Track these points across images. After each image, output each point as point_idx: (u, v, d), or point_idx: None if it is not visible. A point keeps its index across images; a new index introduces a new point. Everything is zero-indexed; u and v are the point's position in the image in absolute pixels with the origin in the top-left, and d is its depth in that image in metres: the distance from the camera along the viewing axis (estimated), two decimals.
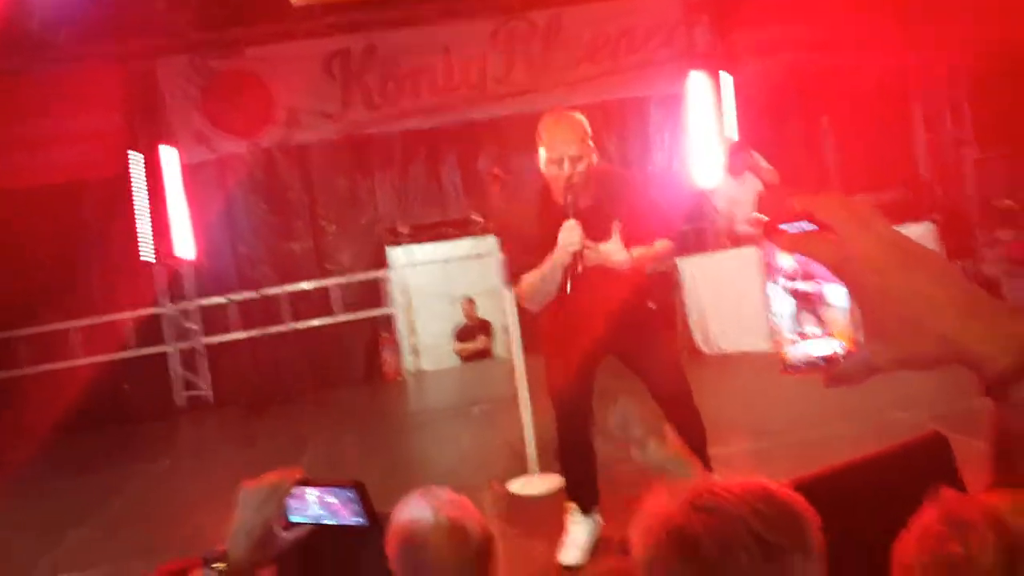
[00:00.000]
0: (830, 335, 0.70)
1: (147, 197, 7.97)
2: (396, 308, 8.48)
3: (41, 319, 7.88)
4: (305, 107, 8.44)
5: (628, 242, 3.18)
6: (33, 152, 7.75)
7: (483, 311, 8.57)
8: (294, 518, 1.35)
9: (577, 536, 3.45)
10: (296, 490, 1.34)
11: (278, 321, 8.24)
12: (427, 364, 8.48)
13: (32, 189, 7.75)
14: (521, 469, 4.42)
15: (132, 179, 7.86)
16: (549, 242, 3.09)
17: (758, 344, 6.65)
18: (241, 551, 1.25)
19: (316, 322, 8.32)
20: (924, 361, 0.67)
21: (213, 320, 8.30)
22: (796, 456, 3.98)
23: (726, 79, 8.57)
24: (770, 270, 0.71)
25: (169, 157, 8.02)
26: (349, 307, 8.41)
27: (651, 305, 3.51)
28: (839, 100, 8.70)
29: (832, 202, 0.69)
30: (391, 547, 1.60)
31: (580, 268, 3.06)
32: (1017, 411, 0.63)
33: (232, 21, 7.89)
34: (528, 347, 5.09)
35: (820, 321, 0.70)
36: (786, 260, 0.70)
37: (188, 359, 8.22)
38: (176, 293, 8.24)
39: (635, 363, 3.43)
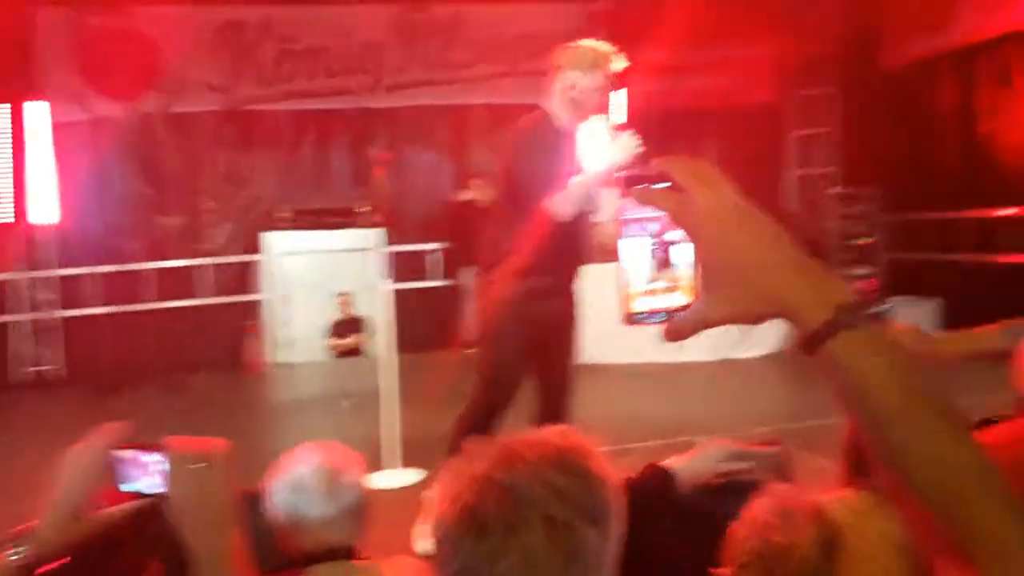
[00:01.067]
0: (675, 290, 0.74)
1: (11, 153, 7.49)
2: (267, 296, 8.26)
3: None
4: (191, 76, 8.13)
5: None
6: None
7: (359, 307, 8.48)
8: (127, 487, 1.16)
9: None
10: (128, 454, 1.15)
11: (142, 298, 7.89)
12: (297, 356, 8.32)
13: None
14: (384, 463, 4.46)
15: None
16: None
17: (643, 356, 6.92)
18: (52, 529, 1.05)
19: (182, 303, 8.00)
20: (752, 315, 0.71)
21: (72, 292, 7.88)
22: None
23: (621, 93, 8.75)
24: (626, 224, 0.74)
25: (38, 113, 7.55)
26: (219, 290, 8.14)
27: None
28: (723, 126, 9.08)
29: (683, 162, 0.73)
30: (273, 493, 1.69)
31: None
32: (829, 364, 0.68)
33: None
34: (403, 345, 5.13)
35: (668, 277, 0.74)
36: (643, 216, 0.74)
37: (40, 332, 7.77)
38: (35, 259, 7.77)
39: (553, 349, 3.45)
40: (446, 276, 8.34)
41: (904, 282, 7.81)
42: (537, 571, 0.87)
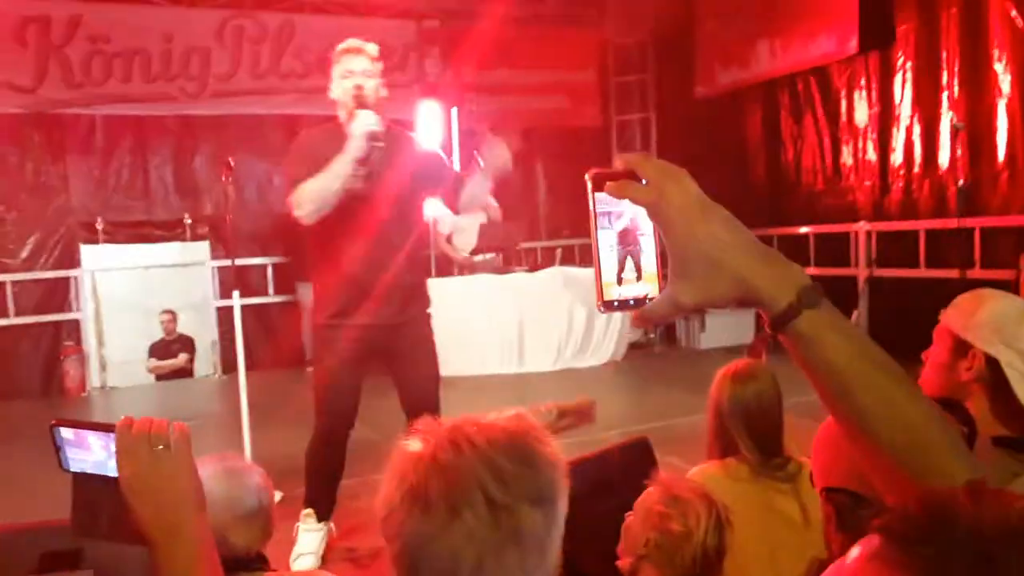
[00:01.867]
0: (643, 280, 0.80)
1: None
2: (84, 315, 7.59)
3: None
4: None
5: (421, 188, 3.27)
6: None
7: (185, 326, 8.00)
8: (76, 467, 1.08)
9: (309, 543, 3.38)
10: (72, 433, 1.07)
11: None
12: (116, 380, 7.70)
13: None
14: None
15: None
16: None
17: (487, 368, 6.99)
18: None
19: None
20: (721, 299, 0.77)
21: None
22: None
23: (452, 111, 8.89)
24: (598, 218, 0.79)
25: None
26: (26, 309, 7.39)
27: (429, 299, 3.46)
28: (552, 147, 9.44)
29: (649, 159, 0.78)
30: None
31: (373, 156, 3.06)
32: (795, 341, 0.75)
33: None
34: (233, 365, 4.89)
35: (637, 267, 0.80)
36: (614, 209, 0.80)
37: None
38: None
39: (402, 367, 3.36)
40: (282, 291, 8.07)
41: None
42: (478, 551, 0.89)
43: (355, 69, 3.16)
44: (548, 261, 8.91)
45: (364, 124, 3.05)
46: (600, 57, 9.60)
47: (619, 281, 0.80)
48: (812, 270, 7.63)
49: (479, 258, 7.52)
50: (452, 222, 7.74)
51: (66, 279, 7.57)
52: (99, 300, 7.72)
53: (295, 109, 8.56)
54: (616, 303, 0.80)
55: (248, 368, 4.53)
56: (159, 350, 7.91)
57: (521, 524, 0.90)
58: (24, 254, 7.43)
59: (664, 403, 5.81)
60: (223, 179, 4.09)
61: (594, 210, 0.79)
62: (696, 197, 0.77)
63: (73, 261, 7.59)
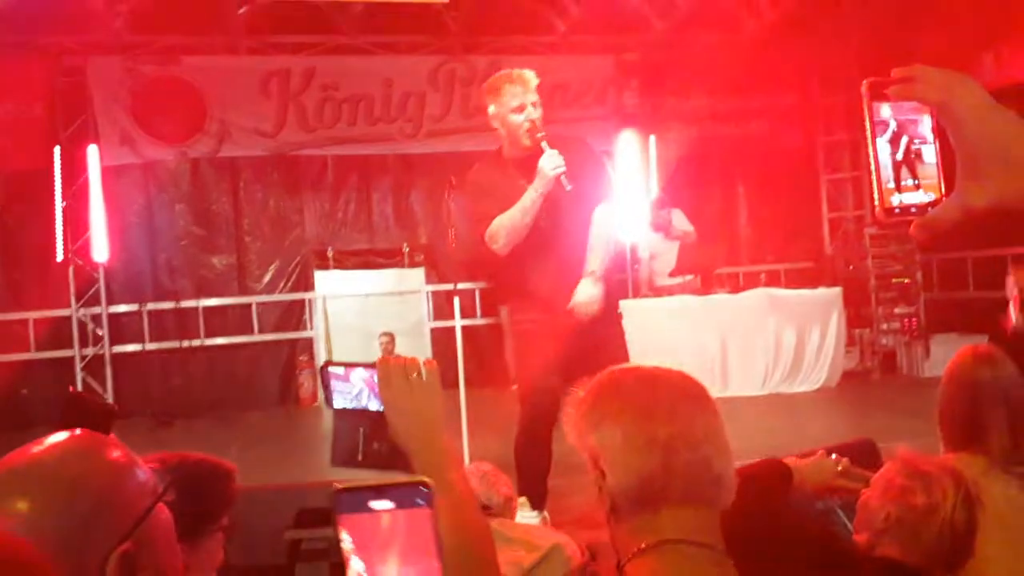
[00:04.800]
0: (923, 188, 0.79)
1: (64, 195, 7.67)
2: (316, 333, 8.37)
3: None
4: (238, 122, 8.33)
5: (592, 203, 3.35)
6: None
7: (402, 348, 8.56)
8: (340, 403, 1.24)
9: None
10: (340, 370, 1.23)
11: (192, 335, 7.97)
12: None
13: None
14: None
15: (52, 175, 7.53)
16: (515, 192, 3.24)
17: None
18: None
19: (232, 340, 8.10)
20: (1016, 197, 0.73)
21: (122, 328, 7.96)
22: None
23: (652, 140, 9.00)
24: (875, 127, 0.79)
25: (92, 156, 7.73)
26: (267, 327, 8.25)
27: (620, 312, 3.58)
28: (754, 172, 9.30)
29: (928, 67, 0.77)
30: None
31: (564, 186, 3.19)
32: None
33: (171, 28, 7.75)
34: (450, 382, 5.16)
35: (915, 175, 0.79)
36: (891, 118, 0.80)
37: (92, 367, 7.83)
38: (87, 297, 7.88)
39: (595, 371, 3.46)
40: (488, 314, 8.46)
41: (945, 320, 7.92)
42: None
43: (526, 102, 3.31)
44: (751, 286, 8.73)
45: (553, 166, 3.18)
46: (804, 79, 9.39)
47: (898, 188, 0.80)
48: None
49: (678, 280, 7.52)
50: (649, 248, 7.82)
51: (301, 301, 8.41)
52: (328, 321, 8.45)
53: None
54: (897, 209, 0.80)
55: (455, 386, 4.82)
56: None
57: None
58: (267, 279, 8.33)
59: (886, 430, 5.43)
60: (446, 195, 4.42)
61: (870, 119, 0.80)
62: (985, 96, 0.75)
63: (308, 285, 8.43)
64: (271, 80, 8.47)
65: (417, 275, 8.61)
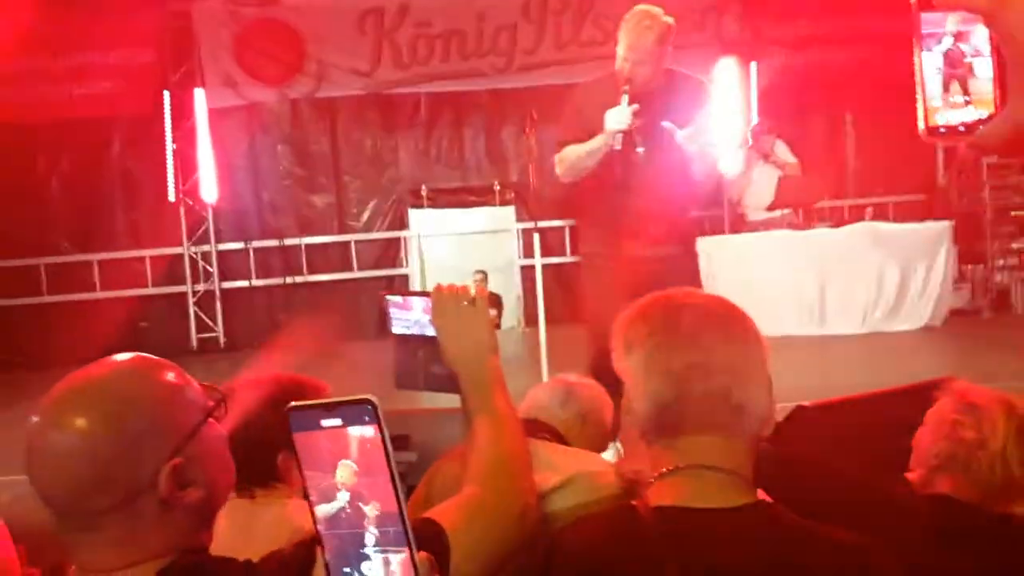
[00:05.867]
0: (974, 104, 0.75)
1: (174, 138, 8.06)
2: (411, 270, 8.58)
3: (63, 251, 8.02)
4: (335, 62, 8.47)
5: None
6: (65, 85, 7.81)
7: (494, 286, 8.67)
8: (398, 330, 1.33)
9: None
10: (399, 298, 1.33)
11: (295, 271, 8.34)
12: None
13: (61, 122, 7.80)
14: None
15: (163, 119, 7.91)
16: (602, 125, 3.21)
17: (784, 329, 6.76)
18: None
19: (333, 276, 8.41)
20: None
21: (230, 265, 8.40)
22: None
23: (753, 68, 8.64)
24: (923, 39, 0.75)
25: (199, 99, 8.06)
26: (366, 264, 8.52)
27: (695, 249, 3.58)
28: (862, 99, 8.80)
29: None
30: None
31: (635, 146, 3.17)
32: None
33: None
34: (535, 319, 5.22)
35: (966, 91, 0.75)
36: (941, 29, 0.74)
37: (203, 301, 8.33)
38: (197, 236, 8.33)
39: None
40: (578, 252, 8.44)
41: None
42: None
43: (631, 55, 3.20)
44: (856, 219, 8.37)
45: (615, 122, 3.12)
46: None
47: (946, 105, 0.76)
48: None
49: (775, 214, 7.27)
50: (746, 180, 7.56)
51: (398, 239, 8.62)
52: (423, 259, 8.64)
53: (592, 75, 8.84)
54: (943, 129, 0.77)
55: (548, 322, 4.86)
56: None
57: None
58: (365, 217, 8.57)
59: (995, 369, 5.08)
60: (526, 130, 4.40)
61: (919, 30, 0.76)
62: None
63: (403, 223, 8.62)
64: (366, 18, 8.55)
65: (508, 213, 8.66)
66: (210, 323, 8.32)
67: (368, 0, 8.49)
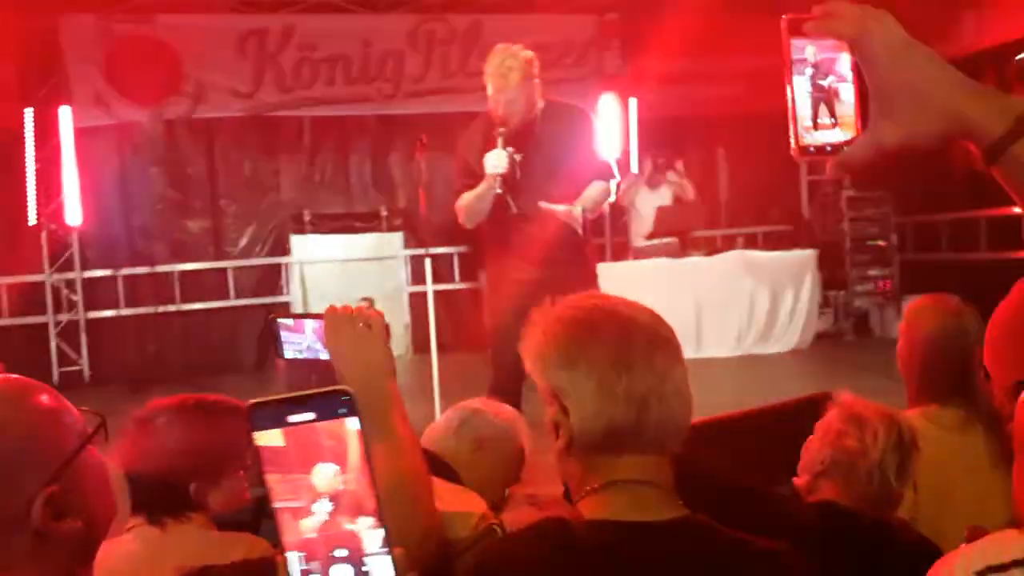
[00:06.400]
0: (840, 127, 0.80)
1: (36, 158, 7.59)
2: (293, 298, 8.35)
3: None
4: (214, 82, 8.22)
5: (573, 177, 3.42)
6: None
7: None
8: (290, 354, 1.28)
9: None
10: (291, 321, 1.28)
11: (167, 300, 7.96)
12: None
13: None
14: None
15: (23, 137, 7.44)
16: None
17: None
18: None
19: (208, 305, 8.09)
20: (926, 135, 0.75)
21: (97, 293, 7.93)
22: None
23: (633, 103, 8.94)
24: (793, 65, 0.79)
25: (65, 117, 7.63)
26: (244, 292, 8.23)
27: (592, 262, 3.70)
28: (734, 134, 9.27)
29: (846, 3, 0.77)
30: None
31: (510, 199, 3.33)
32: (1011, 169, 0.73)
33: None
34: (422, 346, 5.18)
35: (833, 114, 0.79)
36: (810, 56, 0.79)
37: (66, 332, 7.81)
38: (61, 262, 7.83)
39: None
40: (467, 279, 8.46)
41: (918, 282, 7.98)
42: None
43: (500, 96, 3.34)
44: (728, 249, 8.76)
45: (492, 167, 3.30)
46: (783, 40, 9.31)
47: (815, 127, 0.80)
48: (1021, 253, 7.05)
49: (656, 242, 7.54)
50: (634, 209, 7.82)
51: (278, 266, 8.38)
52: (306, 287, 8.43)
53: (481, 107, 8.95)
54: (812, 148, 0.80)
55: (439, 349, 4.84)
56: None
57: None
58: (243, 243, 8.30)
59: (858, 388, 5.44)
60: (416, 157, 4.39)
61: (789, 56, 0.80)
62: (900, 34, 0.75)
63: (284, 249, 8.38)
64: (248, 39, 8.36)
65: (395, 239, 8.59)
66: (73, 355, 7.81)
67: (250, 21, 8.31)
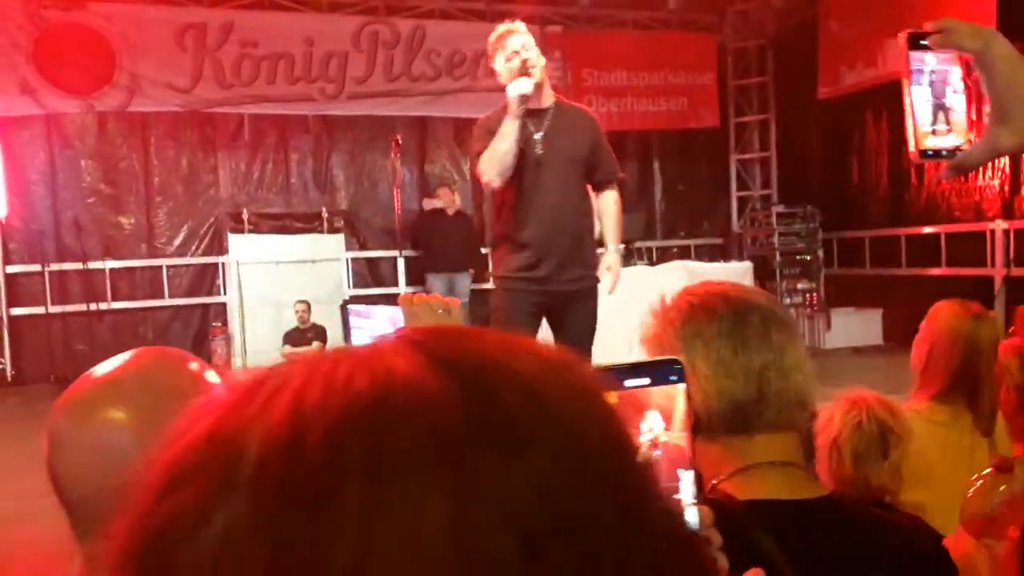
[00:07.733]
0: (953, 132, 0.88)
1: None
2: (230, 298, 8.15)
3: None
4: (150, 75, 7.98)
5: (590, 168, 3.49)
6: None
7: (317, 317, 8.43)
8: (361, 340, 1.28)
9: None
10: (361, 307, 1.28)
11: (98, 298, 7.65)
12: (257, 362, 8.18)
13: None
14: None
15: None
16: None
17: (614, 359, 7.07)
18: None
19: (141, 304, 7.82)
20: None
21: (22, 290, 7.58)
22: None
23: None
24: (912, 75, 0.88)
25: None
26: (178, 292, 8.00)
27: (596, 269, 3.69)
28: (669, 147, 9.56)
29: (959, 20, 0.87)
30: None
31: (534, 134, 3.32)
32: None
33: None
34: None
35: (948, 121, 0.88)
36: (928, 67, 0.88)
37: None
38: None
39: (565, 330, 3.57)
40: (413, 283, 8.41)
41: (844, 295, 8.40)
42: None
43: (514, 46, 3.33)
44: (664, 260, 9.01)
45: (517, 88, 3.25)
46: (719, 60, 9.68)
47: (933, 132, 0.89)
48: (944, 270, 7.51)
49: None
50: None
51: (214, 265, 8.17)
52: (243, 287, 8.24)
53: (425, 111, 8.97)
54: (931, 151, 0.89)
55: None
56: (293, 338, 8.35)
57: None
58: (178, 241, 8.05)
59: None
60: (391, 156, 4.40)
61: (908, 67, 0.89)
62: (1013, 48, 0.83)
63: (221, 248, 8.18)
64: (186, 33, 8.14)
65: (336, 241, 8.49)
66: None
67: (189, 14, 8.11)
